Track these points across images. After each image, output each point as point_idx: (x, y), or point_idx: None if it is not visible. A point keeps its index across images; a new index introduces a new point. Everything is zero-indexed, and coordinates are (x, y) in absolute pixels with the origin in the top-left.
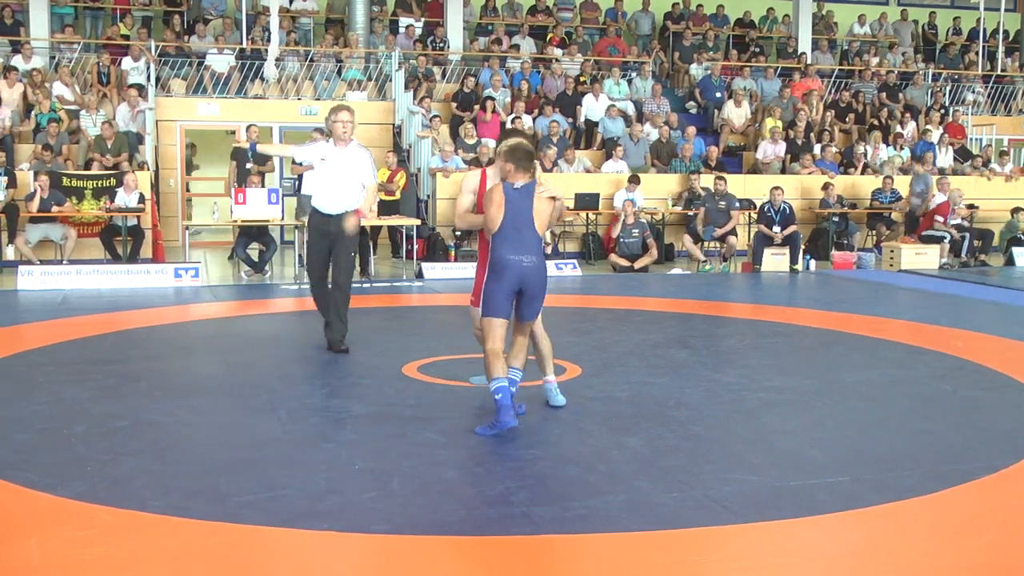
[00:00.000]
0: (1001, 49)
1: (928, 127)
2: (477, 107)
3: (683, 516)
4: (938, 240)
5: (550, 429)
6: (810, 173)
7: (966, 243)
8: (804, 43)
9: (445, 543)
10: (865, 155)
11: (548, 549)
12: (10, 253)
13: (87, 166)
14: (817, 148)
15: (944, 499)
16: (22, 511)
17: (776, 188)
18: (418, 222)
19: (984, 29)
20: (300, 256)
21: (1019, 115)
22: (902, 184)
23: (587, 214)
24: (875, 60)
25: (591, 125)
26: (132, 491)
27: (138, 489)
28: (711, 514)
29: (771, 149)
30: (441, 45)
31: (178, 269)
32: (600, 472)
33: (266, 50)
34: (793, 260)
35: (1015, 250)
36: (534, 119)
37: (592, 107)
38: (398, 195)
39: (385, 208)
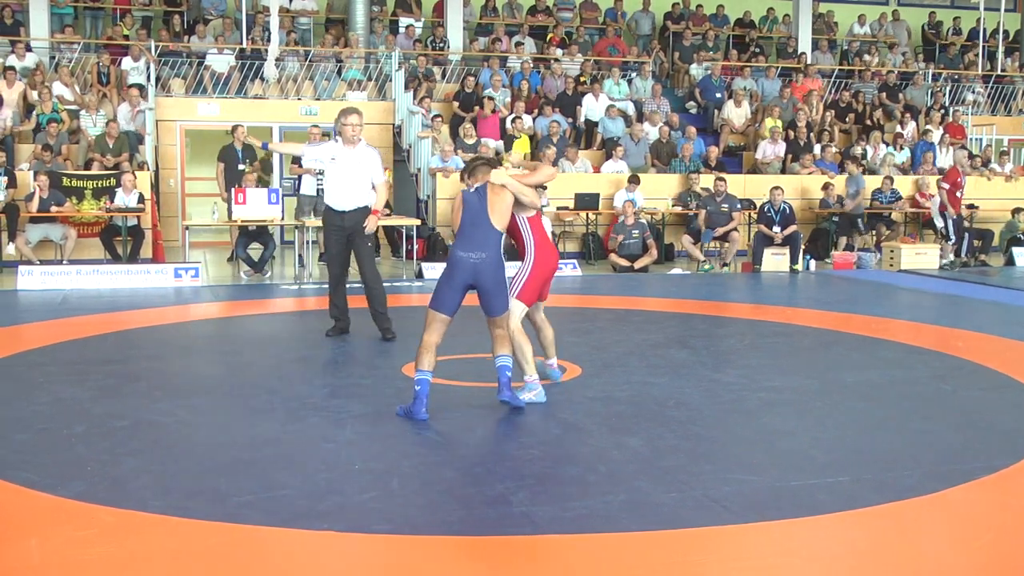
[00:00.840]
0: (1001, 49)
1: (928, 127)
2: (477, 107)
3: (683, 516)
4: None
5: (550, 429)
6: (810, 173)
7: (966, 243)
8: (804, 43)
9: (445, 543)
10: (864, 155)
11: (548, 549)
12: (11, 250)
13: (87, 166)
14: (817, 148)
15: (944, 499)
16: (22, 511)
17: (776, 188)
18: (418, 222)
19: (984, 29)
20: (300, 256)
21: (1019, 115)
22: (902, 184)
23: (587, 214)
24: (875, 60)
25: (591, 125)
26: (132, 491)
27: (138, 489)
28: (711, 514)
29: (771, 149)
30: (441, 45)
31: (178, 269)
32: (600, 472)
33: (266, 50)
34: (793, 260)
35: (1015, 250)
36: (534, 119)
37: (592, 107)
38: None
39: None
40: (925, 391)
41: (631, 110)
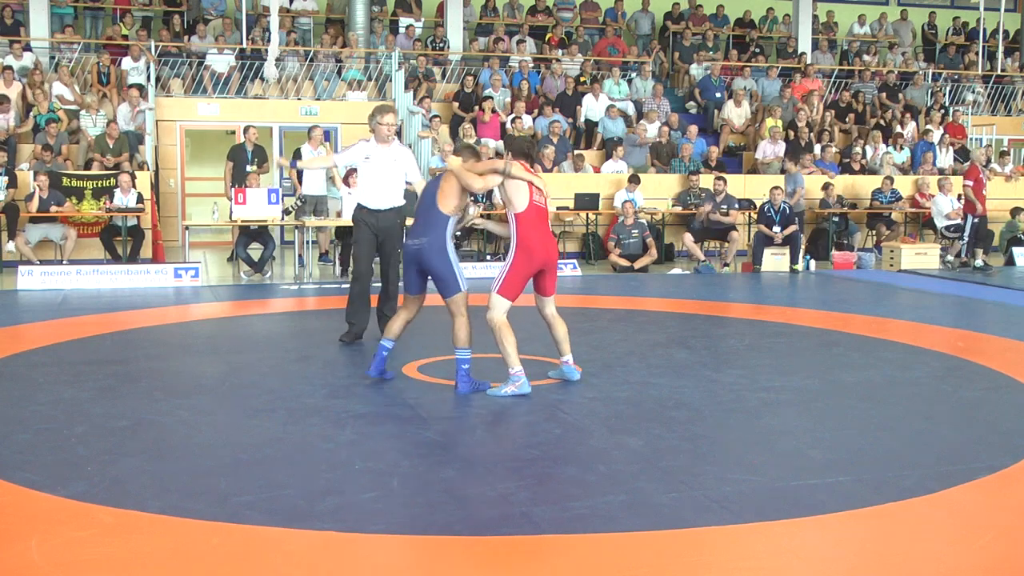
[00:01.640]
0: (1001, 49)
1: (928, 127)
2: (477, 107)
3: (683, 516)
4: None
5: (550, 429)
6: (810, 173)
7: (966, 243)
8: (804, 43)
9: (445, 543)
10: (864, 155)
11: (548, 549)
12: (11, 247)
13: (87, 166)
14: (817, 148)
15: (944, 499)
16: (22, 511)
17: (776, 188)
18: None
19: (984, 29)
20: (300, 256)
21: (1019, 115)
22: (902, 184)
23: (587, 214)
24: (875, 60)
25: (591, 125)
26: (132, 491)
27: (138, 489)
28: (711, 514)
29: (771, 149)
30: (441, 45)
31: (178, 269)
32: (600, 472)
33: (266, 50)
34: (793, 260)
35: (1015, 250)
36: (534, 119)
37: (592, 107)
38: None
39: None
40: (925, 391)
41: (631, 110)
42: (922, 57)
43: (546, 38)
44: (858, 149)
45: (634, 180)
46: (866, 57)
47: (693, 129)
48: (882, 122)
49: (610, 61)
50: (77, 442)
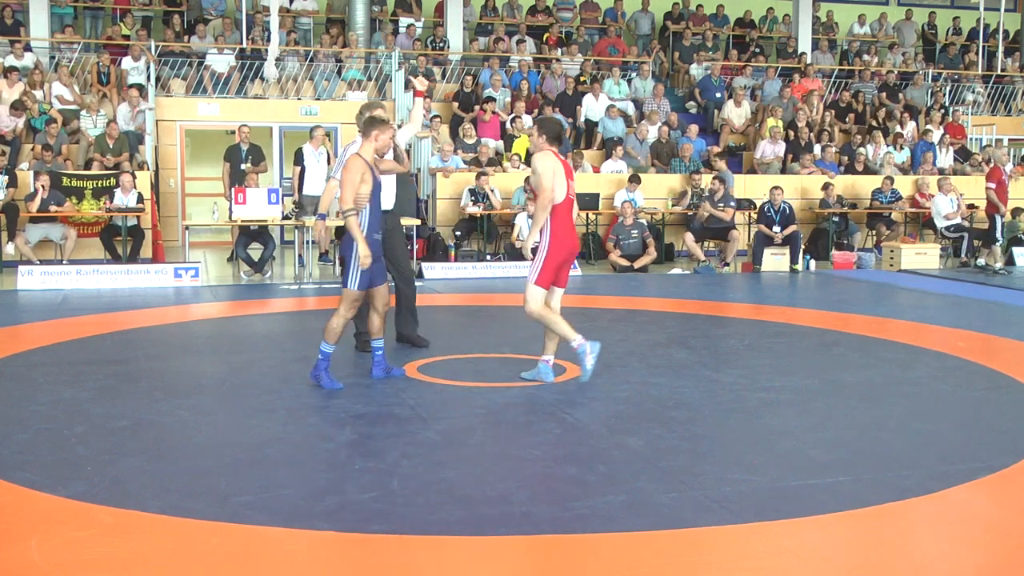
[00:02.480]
0: (1001, 49)
1: (928, 127)
2: (477, 107)
3: (683, 516)
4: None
5: (550, 429)
6: (810, 173)
7: (965, 243)
8: (804, 43)
9: (445, 543)
10: (865, 155)
11: (548, 549)
12: (11, 250)
13: (87, 166)
14: (817, 148)
15: (944, 499)
16: (22, 511)
17: (776, 188)
18: (418, 222)
19: (984, 29)
20: (300, 256)
21: (1019, 115)
22: (902, 184)
23: (587, 214)
24: (875, 60)
25: (591, 125)
26: (132, 491)
27: (138, 489)
28: (711, 514)
29: (770, 149)
30: (441, 45)
31: (178, 269)
32: (600, 472)
33: (266, 50)
34: (793, 260)
35: (1015, 250)
36: (534, 119)
37: (592, 107)
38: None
39: None
40: (925, 391)
41: (631, 110)
42: (922, 57)
43: (544, 38)
44: (862, 149)
45: (634, 180)
46: (866, 57)
47: (693, 128)
48: (880, 122)
49: (610, 61)
50: (77, 442)
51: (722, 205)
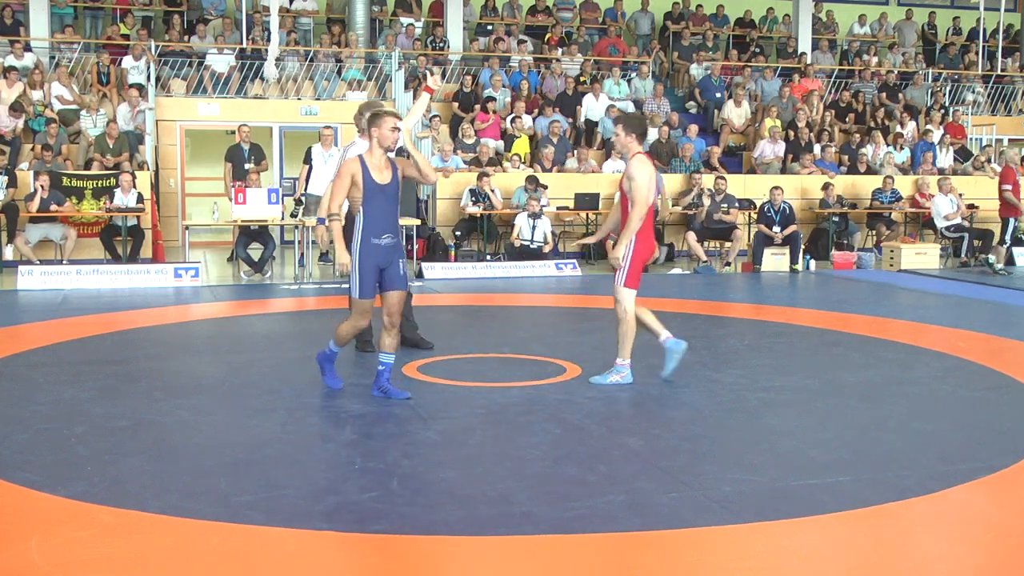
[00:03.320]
0: (1001, 49)
1: (928, 127)
2: (478, 107)
3: (683, 516)
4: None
5: (550, 429)
6: (810, 173)
7: (966, 243)
8: (804, 43)
9: (445, 543)
10: (866, 155)
11: (548, 549)
12: (9, 253)
13: (87, 166)
14: (817, 148)
15: (944, 499)
16: (22, 511)
17: (776, 188)
18: (418, 222)
19: (984, 29)
20: (300, 256)
21: (1019, 115)
22: (902, 184)
23: (587, 214)
24: (875, 60)
25: (591, 125)
26: (132, 491)
27: (138, 489)
28: (711, 514)
29: (770, 149)
30: (441, 45)
31: (178, 269)
32: (600, 472)
33: (266, 50)
34: (793, 260)
35: (1015, 250)
36: (534, 119)
37: (592, 107)
38: None
39: None
40: (925, 391)
41: (631, 110)
42: (922, 57)
43: (546, 38)
44: (864, 150)
45: None
46: (866, 57)
47: (693, 128)
48: (880, 122)
49: (610, 61)
50: (77, 442)
51: (725, 207)
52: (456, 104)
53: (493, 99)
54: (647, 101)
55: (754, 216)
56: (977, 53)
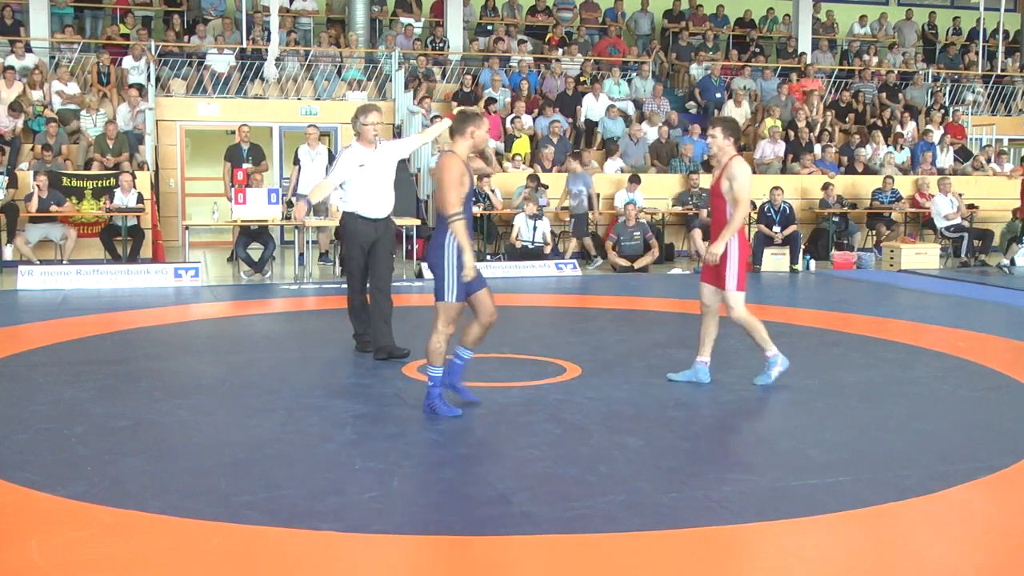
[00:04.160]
0: (1001, 49)
1: (928, 127)
2: (477, 107)
3: (683, 516)
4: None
5: (550, 429)
6: (810, 173)
7: (965, 243)
8: (804, 43)
9: (445, 543)
10: (866, 155)
11: (548, 549)
12: (9, 253)
13: (87, 166)
14: (817, 148)
15: (944, 499)
16: (22, 511)
17: (776, 188)
18: (418, 222)
19: (984, 29)
20: (300, 255)
21: (1019, 115)
22: (902, 184)
23: (587, 214)
24: (875, 60)
25: (591, 125)
26: (132, 491)
27: (138, 489)
28: (711, 514)
29: (770, 149)
30: (441, 45)
31: (178, 269)
32: (600, 472)
33: (266, 50)
34: (793, 260)
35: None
36: (534, 119)
37: (592, 107)
38: None
39: None
40: (925, 391)
41: (631, 110)
42: (922, 57)
43: (546, 38)
44: (866, 150)
45: (634, 180)
46: (866, 57)
47: (697, 128)
48: (880, 122)
49: (610, 61)
50: (77, 442)
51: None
52: (456, 104)
53: (494, 100)
54: (647, 101)
55: (754, 216)
56: (977, 53)
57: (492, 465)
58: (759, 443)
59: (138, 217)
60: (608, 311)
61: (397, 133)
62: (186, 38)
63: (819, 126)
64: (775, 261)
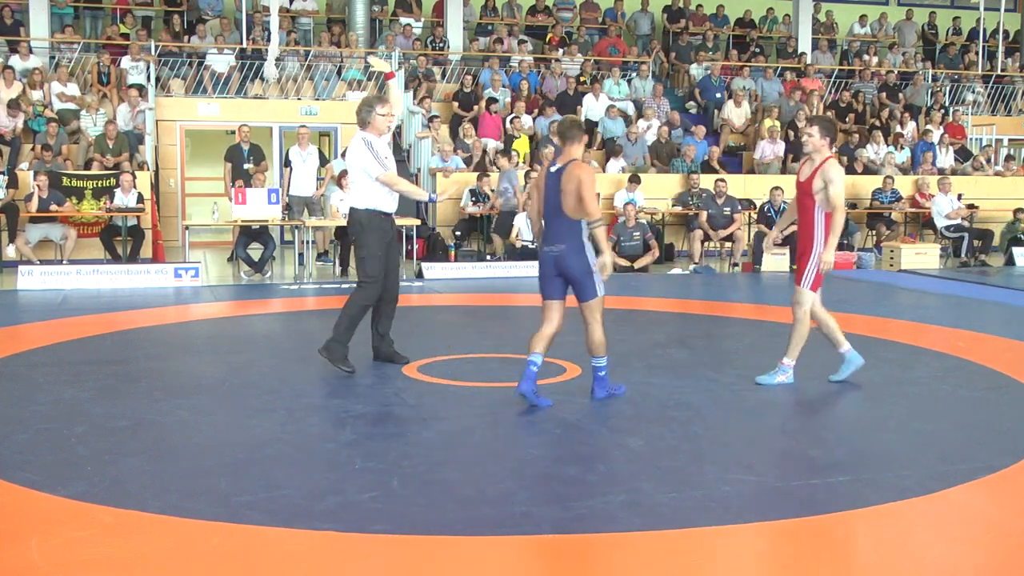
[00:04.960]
0: (1001, 49)
1: (928, 127)
2: (477, 107)
3: (683, 516)
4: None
5: (550, 429)
6: None
7: (965, 243)
8: (804, 43)
9: (445, 543)
10: (867, 155)
11: (548, 549)
12: (11, 252)
13: (87, 166)
14: None
15: (944, 499)
16: (22, 511)
17: (776, 188)
18: (418, 222)
19: (984, 29)
20: (300, 255)
21: (1019, 115)
22: (902, 184)
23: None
24: (875, 60)
25: (591, 125)
26: (132, 491)
27: (138, 489)
28: (711, 514)
29: (770, 149)
30: (441, 45)
31: (178, 269)
32: (600, 472)
33: (266, 50)
34: (793, 260)
35: (1015, 250)
36: (534, 119)
37: (592, 107)
38: None
39: None
40: (925, 391)
41: (631, 110)
42: (922, 57)
43: (546, 38)
44: (868, 152)
45: (634, 180)
46: (866, 57)
47: (701, 129)
48: (880, 122)
49: (610, 61)
50: (77, 442)
51: (728, 210)
52: (456, 104)
53: (495, 100)
54: (647, 101)
55: (754, 216)
56: (977, 53)
57: (492, 465)
58: (759, 443)
59: (138, 217)
60: (608, 311)
61: (397, 132)
62: (186, 38)
63: None
64: (775, 261)
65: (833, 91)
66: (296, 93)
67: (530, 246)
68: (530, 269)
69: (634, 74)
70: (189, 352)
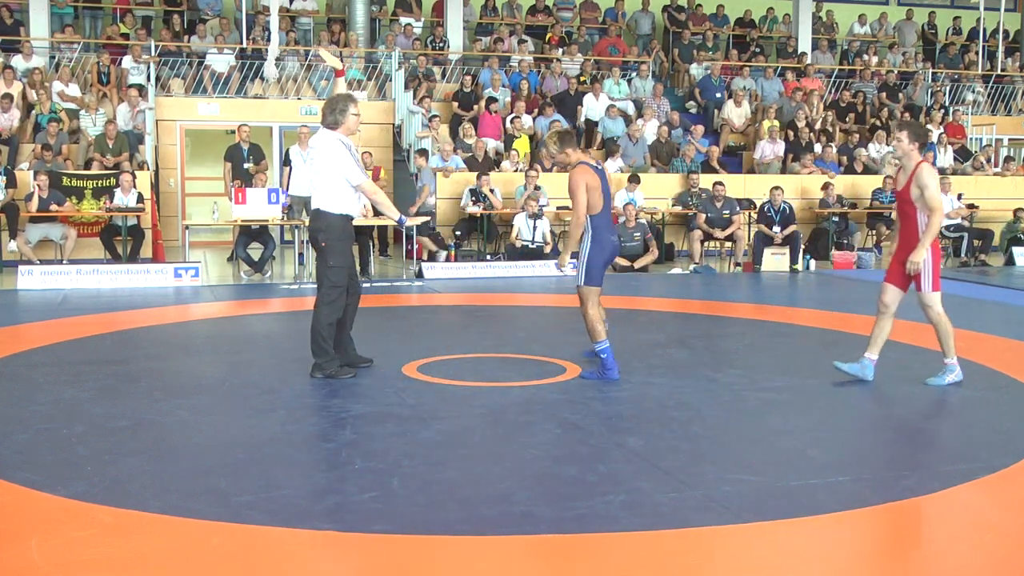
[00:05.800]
0: (1001, 49)
1: (928, 127)
2: (477, 107)
3: (683, 516)
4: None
5: (550, 429)
6: (810, 173)
7: (965, 243)
8: (804, 43)
9: (445, 543)
10: (867, 155)
11: (548, 549)
12: (13, 247)
13: (87, 166)
14: (817, 148)
15: (944, 499)
16: (22, 511)
17: (776, 188)
18: (418, 221)
19: (984, 29)
20: (300, 255)
21: (1019, 115)
22: None
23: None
24: (875, 60)
25: (591, 125)
26: (132, 491)
27: (138, 489)
28: (711, 514)
29: (769, 149)
30: (441, 45)
31: (178, 269)
32: (600, 472)
33: (266, 50)
34: (793, 260)
35: (1015, 250)
36: (534, 119)
37: (592, 107)
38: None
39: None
40: (925, 391)
41: (631, 110)
42: (922, 57)
43: (546, 38)
44: (870, 152)
45: (634, 180)
46: (866, 57)
47: (699, 129)
48: (880, 122)
49: (610, 61)
50: (77, 442)
51: (727, 213)
52: (456, 104)
53: (495, 100)
54: (647, 101)
55: (754, 216)
56: (977, 53)
57: (492, 465)
58: (759, 443)
59: (138, 217)
60: (608, 311)
61: (397, 132)
62: (186, 38)
63: (819, 124)
64: (775, 261)
65: (833, 91)
66: (296, 93)
67: (530, 246)
68: (530, 269)
69: (634, 74)
70: (189, 352)
